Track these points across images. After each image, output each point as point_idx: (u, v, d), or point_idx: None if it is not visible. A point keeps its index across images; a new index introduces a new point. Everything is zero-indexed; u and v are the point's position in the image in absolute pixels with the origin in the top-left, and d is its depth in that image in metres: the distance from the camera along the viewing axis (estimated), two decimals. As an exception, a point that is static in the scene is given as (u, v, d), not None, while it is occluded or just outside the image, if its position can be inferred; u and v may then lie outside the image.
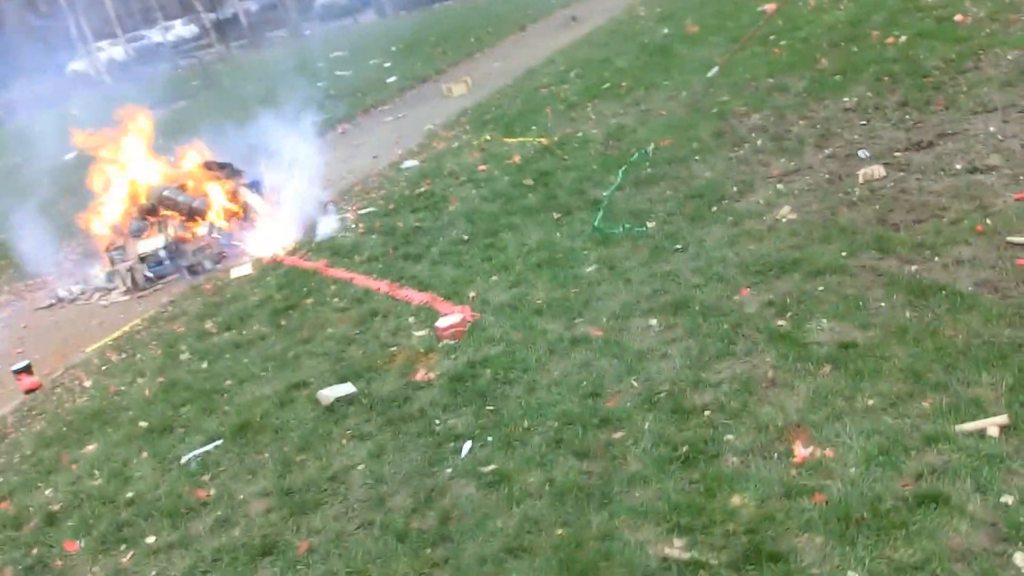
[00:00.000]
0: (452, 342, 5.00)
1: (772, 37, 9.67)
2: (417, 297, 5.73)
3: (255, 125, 11.02)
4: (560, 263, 5.60)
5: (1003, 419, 3.10)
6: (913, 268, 4.34)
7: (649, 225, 5.79)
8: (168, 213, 8.50)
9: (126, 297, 7.92)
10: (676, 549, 2.99)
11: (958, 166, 5.30)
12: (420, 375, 4.73)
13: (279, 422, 4.69)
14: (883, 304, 4.11)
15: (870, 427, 3.31)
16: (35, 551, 4.20)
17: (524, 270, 5.67)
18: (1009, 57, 6.82)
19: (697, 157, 6.82)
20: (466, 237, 6.57)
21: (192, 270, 7.95)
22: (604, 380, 4.16)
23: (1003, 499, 2.81)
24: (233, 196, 8.73)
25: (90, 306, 8.05)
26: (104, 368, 6.29)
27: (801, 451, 3.28)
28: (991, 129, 5.66)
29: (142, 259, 8.09)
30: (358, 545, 3.52)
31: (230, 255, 8.05)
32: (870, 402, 3.46)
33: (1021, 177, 4.92)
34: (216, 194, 8.62)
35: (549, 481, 3.56)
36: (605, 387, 4.11)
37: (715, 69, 8.84)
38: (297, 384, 5.05)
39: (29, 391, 6.32)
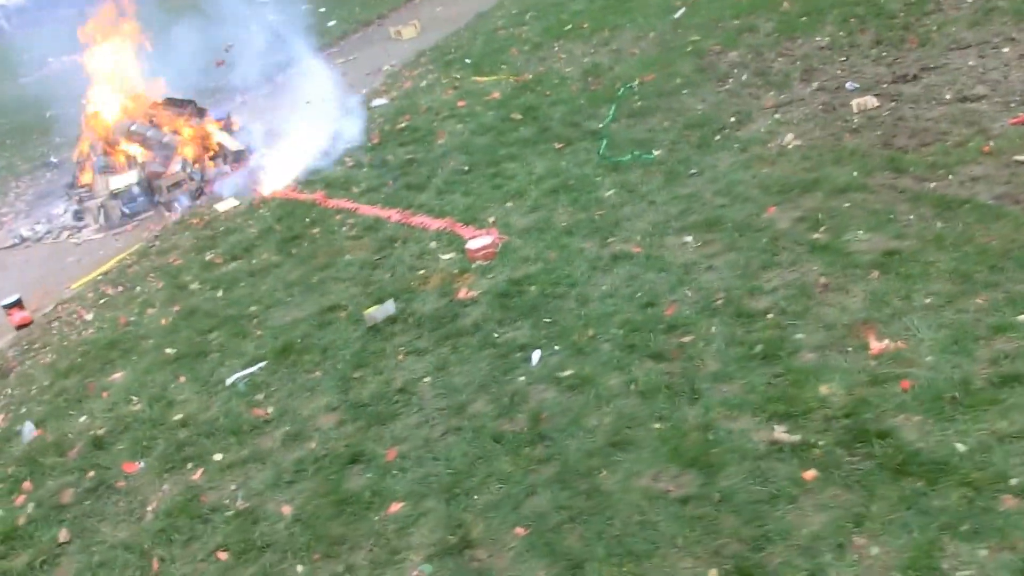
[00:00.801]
0: (485, 263, 5.02)
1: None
2: (434, 223, 5.70)
3: (199, 67, 10.63)
4: (576, 188, 5.65)
5: (1062, 309, 3.35)
6: (931, 185, 4.57)
7: (656, 153, 5.88)
8: (137, 149, 8.14)
9: (100, 234, 7.60)
10: (783, 434, 3.14)
11: (948, 96, 5.56)
12: (462, 294, 4.74)
13: (323, 343, 4.64)
14: (911, 217, 4.32)
15: (935, 321, 3.51)
16: (91, 474, 4.08)
17: (539, 196, 5.70)
18: (968, 0, 7.14)
19: (685, 91, 6.93)
20: (467, 168, 6.54)
21: (169, 206, 7.67)
22: (657, 291, 4.27)
23: (1080, 376, 3.05)
24: (203, 132, 8.44)
25: (59, 244, 7.69)
26: (102, 302, 6.05)
27: (875, 344, 3.47)
28: (970, 63, 5.94)
29: (114, 195, 7.76)
30: (452, 448, 3.55)
31: (209, 191, 7.80)
32: (927, 300, 3.66)
33: (1012, 104, 5.20)
34: (186, 130, 8.32)
35: (632, 382, 3.65)
36: (660, 297, 4.21)
37: (682, 10, 8.96)
38: (332, 307, 4.99)
39: (21, 326, 6.05)
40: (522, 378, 3.89)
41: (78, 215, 7.93)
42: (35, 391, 5.04)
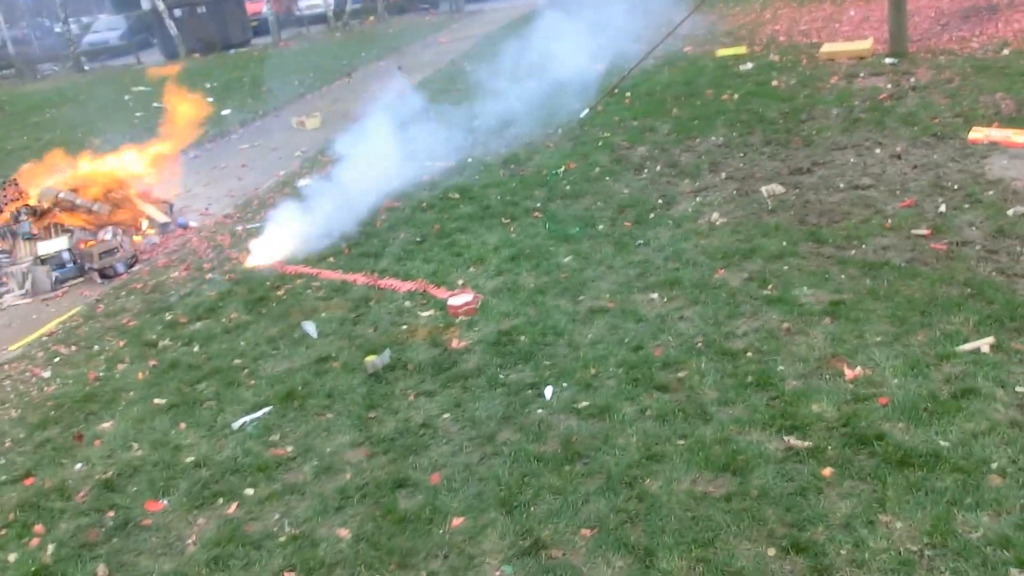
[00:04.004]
0: (467, 318, 5.32)
1: (615, 91, 10.74)
2: (404, 285, 5.96)
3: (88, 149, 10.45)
4: (534, 256, 6.08)
5: (990, 340, 4.05)
6: (851, 252, 5.31)
7: (599, 227, 6.43)
8: (65, 216, 7.94)
9: (28, 300, 7.31)
10: (796, 441, 3.61)
11: (841, 185, 6.45)
12: (454, 344, 5.01)
13: (326, 389, 4.77)
14: (843, 276, 5.02)
15: (890, 353, 4.14)
16: (111, 513, 4.01)
17: (500, 262, 6.08)
18: (834, 112, 8.26)
19: (608, 177, 7.59)
20: (419, 239, 6.85)
21: (103, 273, 7.49)
22: (640, 337, 4.72)
23: (1018, 389, 3.71)
24: (130, 204, 8.35)
25: (-21, 309, 7.34)
26: (57, 360, 5.87)
27: (849, 372, 4.04)
28: (852, 160, 6.91)
29: (43, 261, 7.51)
30: (496, 469, 3.79)
31: (144, 259, 7.70)
32: (877, 339, 4.30)
33: (896, 192, 6.12)
34: (114, 200, 8.20)
35: (644, 409, 4.05)
36: (645, 342, 4.66)
37: (587, 111, 9.75)
38: (323, 358, 5.13)
39: (-34, 386, 5.76)
40: (540, 411, 4.20)
41: (-1, 281, 7.60)
42: (10, 443, 4.84)
